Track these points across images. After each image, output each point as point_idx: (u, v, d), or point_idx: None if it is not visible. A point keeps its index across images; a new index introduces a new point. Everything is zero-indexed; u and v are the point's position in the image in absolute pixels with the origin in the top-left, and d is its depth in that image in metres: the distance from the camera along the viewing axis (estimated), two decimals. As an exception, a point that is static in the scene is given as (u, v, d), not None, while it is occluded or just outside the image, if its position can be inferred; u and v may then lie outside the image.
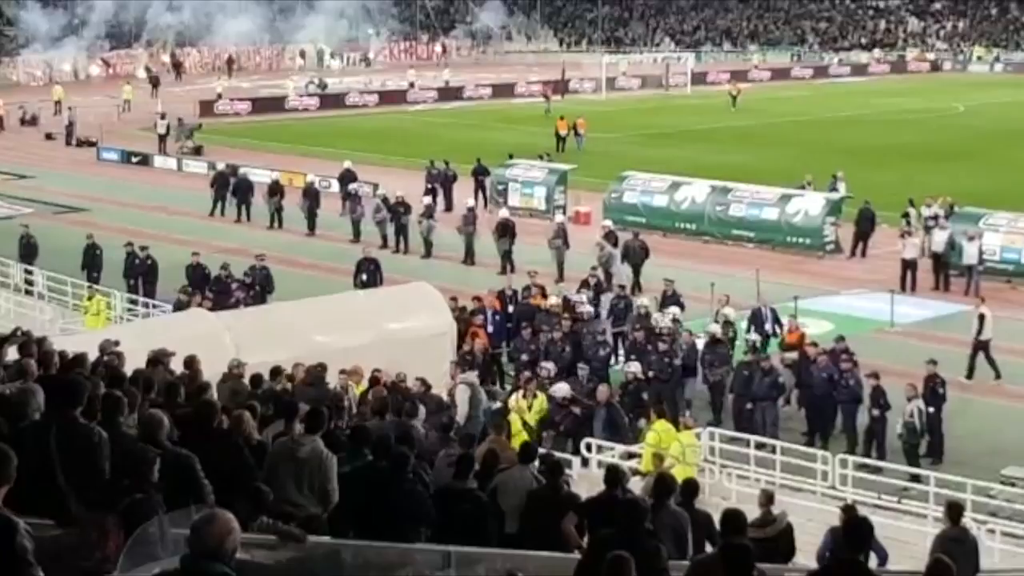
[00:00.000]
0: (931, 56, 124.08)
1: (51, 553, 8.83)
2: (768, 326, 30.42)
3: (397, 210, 44.43)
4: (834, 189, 46.91)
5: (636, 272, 39.02)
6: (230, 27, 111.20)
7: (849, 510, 17.42)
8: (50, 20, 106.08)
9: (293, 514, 11.54)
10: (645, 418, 24.68)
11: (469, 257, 42.54)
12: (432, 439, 18.06)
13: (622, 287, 34.87)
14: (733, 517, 10.95)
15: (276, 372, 21.23)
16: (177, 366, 18.71)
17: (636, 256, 39.46)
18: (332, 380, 22.17)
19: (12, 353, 15.68)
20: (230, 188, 50.86)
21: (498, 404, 24.10)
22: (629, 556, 9.31)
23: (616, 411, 25.32)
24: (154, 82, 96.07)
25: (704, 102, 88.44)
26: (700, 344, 28.98)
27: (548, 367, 27.06)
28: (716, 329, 29.24)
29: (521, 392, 25.08)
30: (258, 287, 34.59)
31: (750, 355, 27.65)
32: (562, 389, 25.77)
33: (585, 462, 24.33)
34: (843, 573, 9.90)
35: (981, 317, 31.07)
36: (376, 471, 12.94)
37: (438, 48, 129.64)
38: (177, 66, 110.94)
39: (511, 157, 53.19)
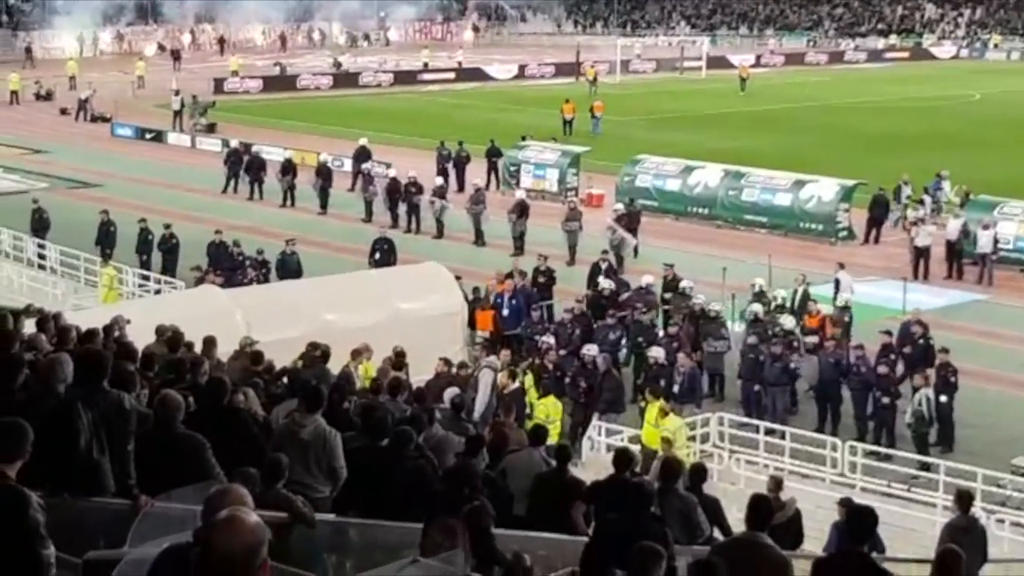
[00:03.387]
0: (948, 43, 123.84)
1: (76, 525, 8.90)
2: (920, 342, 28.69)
3: (409, 190, 44.36)
4: (938, 188, 45.75)
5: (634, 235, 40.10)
6: (248, 6, 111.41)
7: (847, 503, 17.46)
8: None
9: (303, 494, 11.55)
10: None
11: (479, 238, 42.50)
12: (446, 418, 17.97)
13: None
14: (759, 504, 10.85)
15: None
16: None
17: (635, 220, 40.85)
18: (345, 358, 22.13)
19: (28, 327, 15.72)
20: (243, 166, 50.91)
21: (514, 386, 24.07)
22: (658, 549, 9.23)
23: (615, 380, 25.51)
24: (175, 55, 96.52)
25: (719, 86, 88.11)
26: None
27: (548, 341, 27.15)
28: (758, 308, 29.48)
29: (520, 372, 25.06)
30: (274, 272, 34.53)
31: (779, 341, 27.55)
32: (592, 349, 26.12)
33: (593, 445, 24.40)
34: (846, 563, 9.88)
35: (836, 282, 32.84)
36: (380, 449, 12.93)
37: (469, 33, 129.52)
38: (222, 42, 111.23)
39: (524, 139, 53.09)
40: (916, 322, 28.68)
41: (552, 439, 21.22)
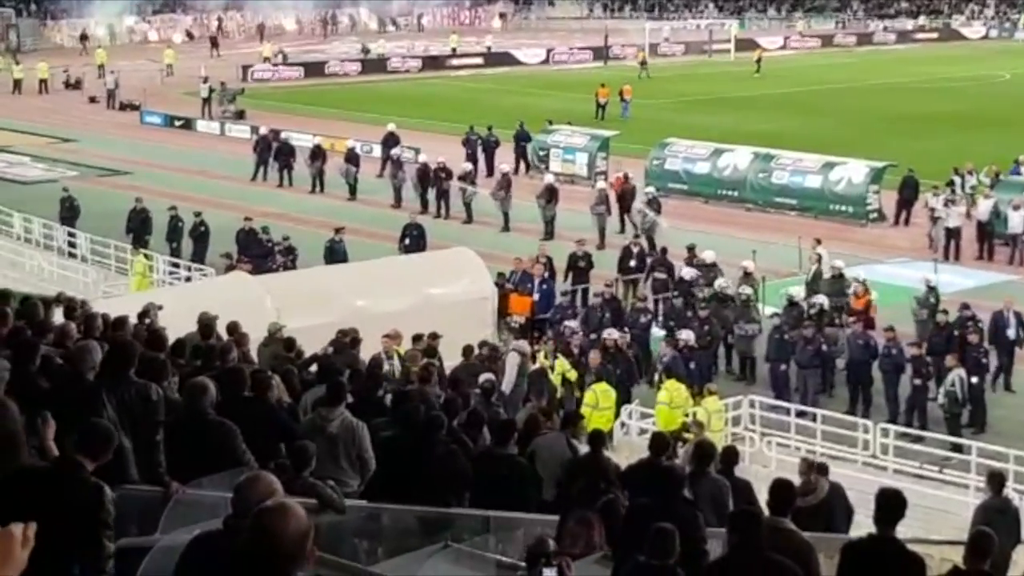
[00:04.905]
0: (977, 23, 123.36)
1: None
2: (1012, 331, 28.14)
3: (439, 176, 44.37)
4: (1017, 173, 44.43)
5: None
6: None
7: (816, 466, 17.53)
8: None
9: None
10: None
11: (505, 223, 42.47)
12: (476, 402, 17.99)
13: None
14: (781, 489, 10.83)
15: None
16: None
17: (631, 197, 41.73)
18: (375, 344, 22.08)
19: (58, 316, 15.77)
20: (272, 152, 50.91)
21: (534, 367, 24.11)
22: (673, 528, 9.28)
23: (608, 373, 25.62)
24: (213, 42, 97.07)
25: (748, 69, 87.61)
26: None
27: (572, 325, 27.12)
28: (794, 291, 29.79)
29: (542, 353, 25.07)
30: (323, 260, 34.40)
31: (811, 324, 27.60)
32: (613, 333, 26.14)
33: (624, 428, 24.42)
34: (877, 548, 9.85)
35: (819, 257, 32.81)
36: (412, 436, 12.94)
37: (496, 19, 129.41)
38: (261, 29, 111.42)
39: (550, 123, 53.04)
40: (1010, 310, 28.51)
41: (603, 425, 21.39)
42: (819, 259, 32.49)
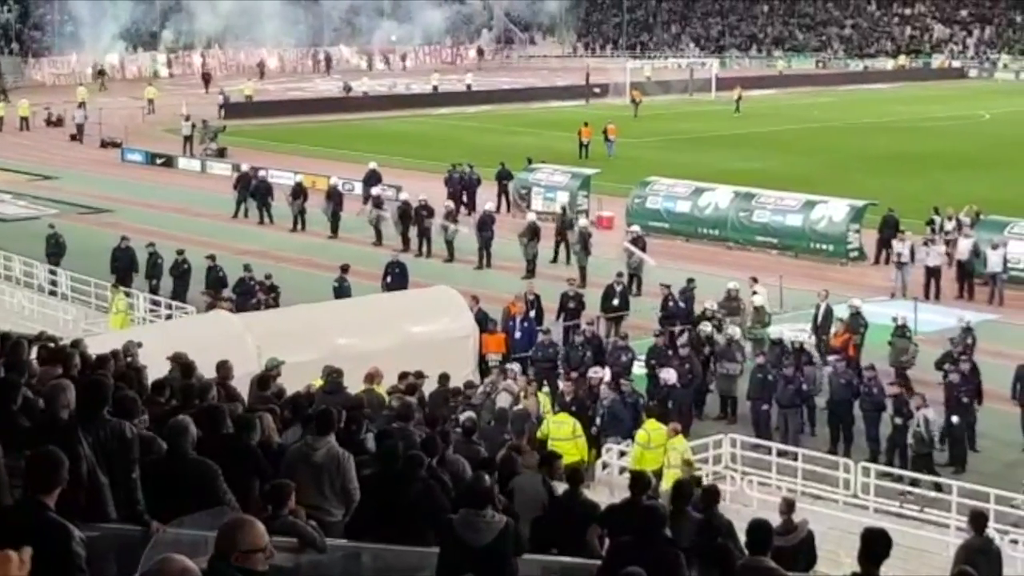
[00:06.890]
0: (956, 63, 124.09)
1: (88, 552, 8.93)
2: None
3: (420, 214, 44.38)
4: None
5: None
6: (257, 30, 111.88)
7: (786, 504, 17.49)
8: (85, 19, 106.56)
9: (317, 518, 11.54)
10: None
11: (485, 261, 42.55)
12: (456, 440, 17.94)
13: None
14: (759, 528, 10.84)
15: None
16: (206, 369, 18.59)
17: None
18: (357, 383, 22.01)
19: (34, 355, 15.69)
20: (250, 190, 50.83)
21: (519, 407, 24.06)
22: (642, 573, 9.26)
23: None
24: (205, 79, 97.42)
25: (729, 108, 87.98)
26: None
27: (514, 368, 26.85)
28: (779, 331, 30.09)
29: (523, 393, 25.01)
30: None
31: (791, 363, 27.67)
32: (599, 372, 26.29)
33: (605, 466, 24.40)
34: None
35: (754, 295, 33.06)
36: (392, 474, 12.92)
37: (472, 52, 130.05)
38: (261, 66, 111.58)
39: (530, 162, 53.16)
40: None
41: (566, 458, 21.37)
42: (826, 296, 32.68)
